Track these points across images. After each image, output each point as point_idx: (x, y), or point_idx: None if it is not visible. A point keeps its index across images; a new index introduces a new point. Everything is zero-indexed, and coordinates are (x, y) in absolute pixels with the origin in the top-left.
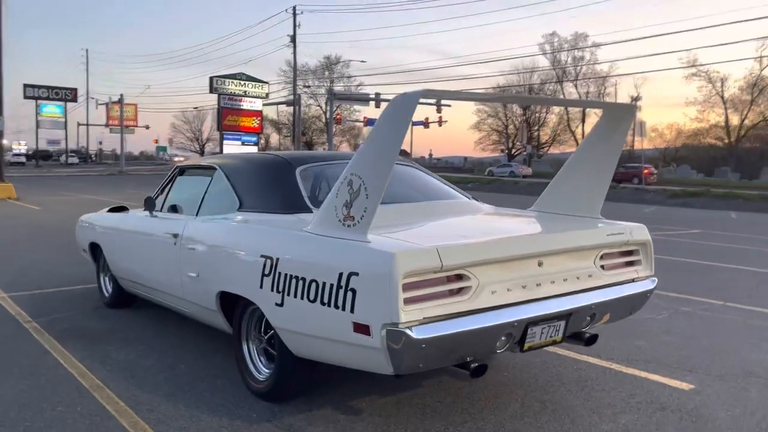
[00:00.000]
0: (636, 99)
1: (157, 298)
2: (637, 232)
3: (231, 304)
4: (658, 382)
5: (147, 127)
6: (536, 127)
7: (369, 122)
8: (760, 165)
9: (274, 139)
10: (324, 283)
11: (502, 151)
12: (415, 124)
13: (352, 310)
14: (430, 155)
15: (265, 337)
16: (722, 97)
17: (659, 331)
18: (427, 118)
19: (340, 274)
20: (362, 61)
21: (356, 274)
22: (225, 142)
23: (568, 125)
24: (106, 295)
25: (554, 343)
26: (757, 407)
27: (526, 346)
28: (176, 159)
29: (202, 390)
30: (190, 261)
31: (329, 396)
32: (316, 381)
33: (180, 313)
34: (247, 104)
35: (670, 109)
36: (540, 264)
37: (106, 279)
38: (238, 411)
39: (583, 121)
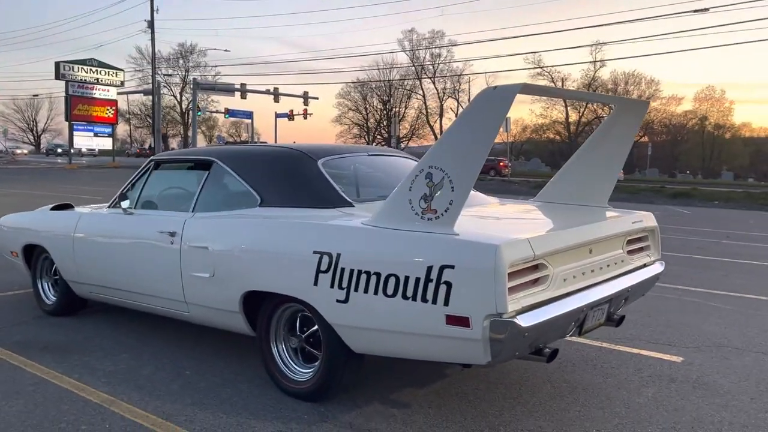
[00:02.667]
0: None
1: (140, 302)
2: (647, 219)
3: (254, 304)
4: (652, 356)
5: None
6: (397, 121)
7: (230, 113)
8: None
9: (122, 129)
10: (407, 278)
11: (366, 144)
12: (279, 116)
13: (446, 303)
14: None
15: (303, 336)
16: None
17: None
18: (291, 110)
19: (429, 268)
20: (226, 50)
21: (451, 267)
22: (75, 133)
23: (427, 120)
24: (48, 302)
25: (599, 325)
26: (746, 373)
27: (584, 329)
28: (18, 152)
29: (230, 395)
30: (198, 261)
31: (367, 392)
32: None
33: (172, 317)
34: (99, 93)
35: (517, 105)
36: (590, 252)
37: (47, 285)
38: (286, 414)
39: (441, 116)
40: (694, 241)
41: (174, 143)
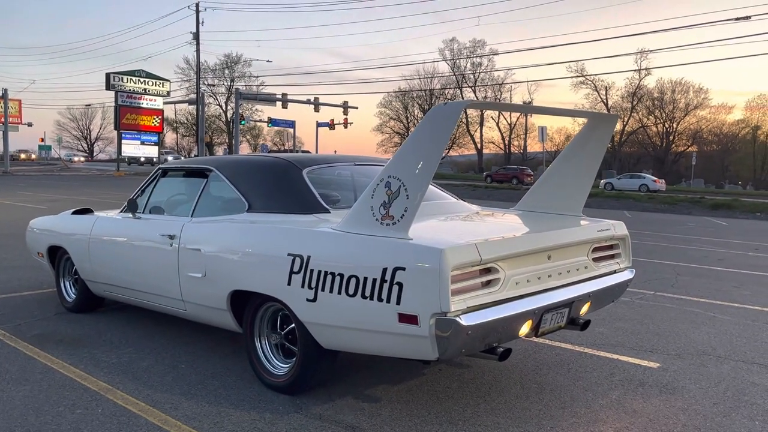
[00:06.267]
0: (528, 104)
1: (145, 300)
2: (618, 228)
3: (241, 303)
4: (629, 362)
5: (30, 125)
6: None
7: (273, 122)
8: (638, 167)
9: (170, 138)
10: (365, 278)
11: None
12: (320, 125)
13: (398, 302)
14: None
15: (283, 333)
16: (606, 104)
17: (611, 319)
18: (332, 120)
19: (384, 270)
20: (268, 61)
21: (402, 269)
22: (124, 141)
23: (468, 129)
24: (68, 299)
25: (559, 328)
26: (719, 380)
27: (540, 331)
28: (76, 159)
29: (216, 388)
30: (192, 262)
31: (344, 387)
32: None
33: (172, 314)
34: (146, 102)
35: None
36: (549, 257)
37: (68, 283)
38: (263, 405)
39: (482, 125)
40: (718, 253)
41: (219, 151)
